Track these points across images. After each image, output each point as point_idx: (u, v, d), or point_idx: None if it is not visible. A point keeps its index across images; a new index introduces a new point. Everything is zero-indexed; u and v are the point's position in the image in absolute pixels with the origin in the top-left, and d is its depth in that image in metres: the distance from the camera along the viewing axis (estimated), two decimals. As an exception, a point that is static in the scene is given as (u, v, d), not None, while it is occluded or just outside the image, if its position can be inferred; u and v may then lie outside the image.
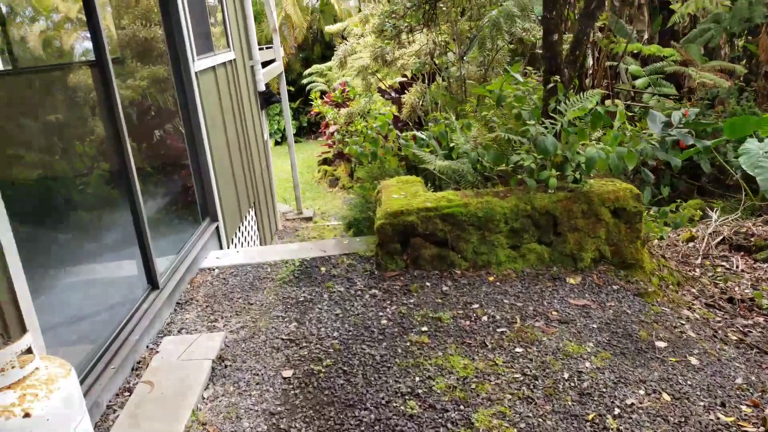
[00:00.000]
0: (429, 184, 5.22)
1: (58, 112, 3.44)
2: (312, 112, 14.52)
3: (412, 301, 3.66)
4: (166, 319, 3.60)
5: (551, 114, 4.02)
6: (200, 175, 4.74)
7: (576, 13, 5.93)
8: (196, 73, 4.59)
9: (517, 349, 3.13)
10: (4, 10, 4.71)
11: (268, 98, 8.34)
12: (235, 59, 6.00)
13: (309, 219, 10.10)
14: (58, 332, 2.96)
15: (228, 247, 5.12)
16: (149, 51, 4.63)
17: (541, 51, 6.47)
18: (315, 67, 16.70)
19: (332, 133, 12.66)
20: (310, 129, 18.25)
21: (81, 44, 5.27)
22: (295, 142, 17.21)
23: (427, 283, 3.86)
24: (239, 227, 5.63)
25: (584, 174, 3.82)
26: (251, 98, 6.80)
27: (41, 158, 3.27)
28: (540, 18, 6.21)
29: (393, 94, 8.56)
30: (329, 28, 15.59)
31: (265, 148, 7.64)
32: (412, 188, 4.38)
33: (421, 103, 7.64)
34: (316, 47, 18.07)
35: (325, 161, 14.01)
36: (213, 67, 5.15)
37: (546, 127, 3.85)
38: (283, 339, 3.36)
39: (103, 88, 3.27)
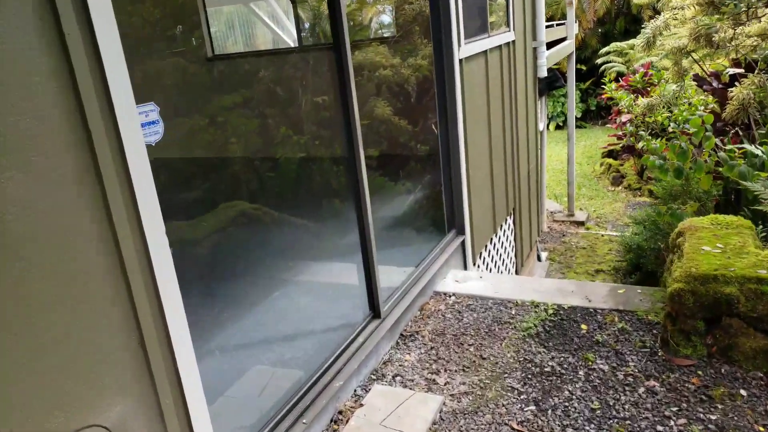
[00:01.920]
0: (759, 225, 3.70)
1: (296, 94, 3.13)
2: (603, 96, 12.82)
3: (713, 417, 2.45)
4: (383, 355, 3.07)
5: None
6: (450, 180, 4.08)
7: None
8: (461, 60, 3.89)
9: None
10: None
11: (550, 83, 7.28)
12: (514, 41, 5.14)
13: (581, 224, 8.83)
14: (254, 360, 2.64)
15: (474, 265, 4.41)
16: (410, 35, 4.09)
17: None
18: (614, 45, 14.72)
19: (624, 123, 10.89)
20: (598, 113, 16.40)
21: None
22: (580, 127, 15.64)
23: (742, 392, 2.57)
24: (491, 239, 4.88)
25: None
26: (528, 84, 5.88)
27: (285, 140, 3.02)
28: None
29: (715, 84, 6.69)
30: (638, -1, 13.46)
31: (539, 141, 6.67)
32: (735, 239, 3.02)
33: (756, 100, 5.72)
34: (618, 21, 15.93)
35: (610, 154, 12.29)
36: (484, 52, 4.39)
37: None
38: (513, 429, 2.52)
39: (338, 75, 2.78)
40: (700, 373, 2.71)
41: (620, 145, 11.77)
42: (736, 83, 5.77)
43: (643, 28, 8.32)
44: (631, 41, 14.17)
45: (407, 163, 4.31)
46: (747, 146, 4.34)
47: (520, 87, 5.53)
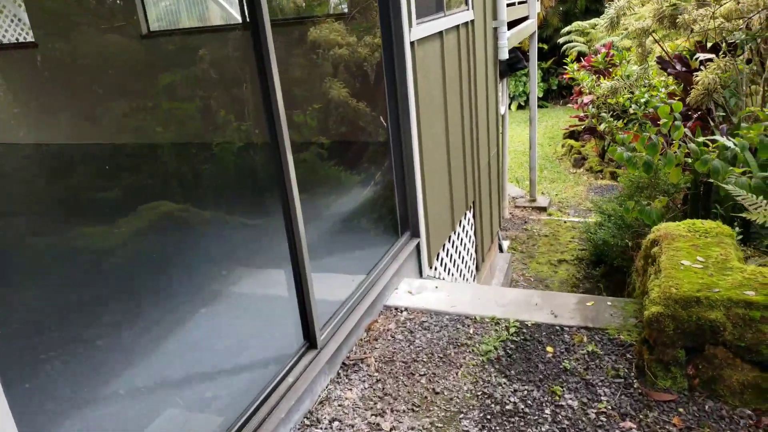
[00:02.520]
0: (735, 227, 3.40)
1: (207, 76, 2.63)
2: (565, 76, 12.53)
3: (698, 468, 2.11)
4: (320, 392, 2.64)
5: None
6: (403, 177, 3.65)
7: None
8: (412, 42, 3.43)
9: None
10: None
11: (512, 65, 6.88)
12: (473, 20, 4.69)
13: (543, 209, 8.55)
14: (166, 402, 2.18)
15: (431, 267, 4.01)
16: (367, 11, 3.61)
17: None
18: (575, 24, 14.44)
19: (586, 104, 10.64)
20: (559, 93, 16.18)
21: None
22: (542, 107, 15.36)
23: (730, 434, 2.24)
24: (449, 237, 4.48)
25: None
26: (488, 67, 5.46)
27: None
28: None
29: (679, 68, 6.39)
30: (599, -24, 13.18)
31: (500, 127, 6.28)
32: (716, 250, 2.68)
33: (719, 84, 5.45)
34: (580, 0, 15.65)
35: (571, 135, 12.06)
36: (440, 33, 3.93)
37: None
38: (468, 486, 2.14)
39: (256, 58, 2.29)
40: (681, 410, 2.37)
41: (582, 126, 11.53)
42: (702, 67, 5.48)
43: (606, 8, 7.94)
44: (593, 20, 13.92)
45: (356, 155, 3.85)
46: (718, 138, 4.03)
47: (480, 70, 5.10)
